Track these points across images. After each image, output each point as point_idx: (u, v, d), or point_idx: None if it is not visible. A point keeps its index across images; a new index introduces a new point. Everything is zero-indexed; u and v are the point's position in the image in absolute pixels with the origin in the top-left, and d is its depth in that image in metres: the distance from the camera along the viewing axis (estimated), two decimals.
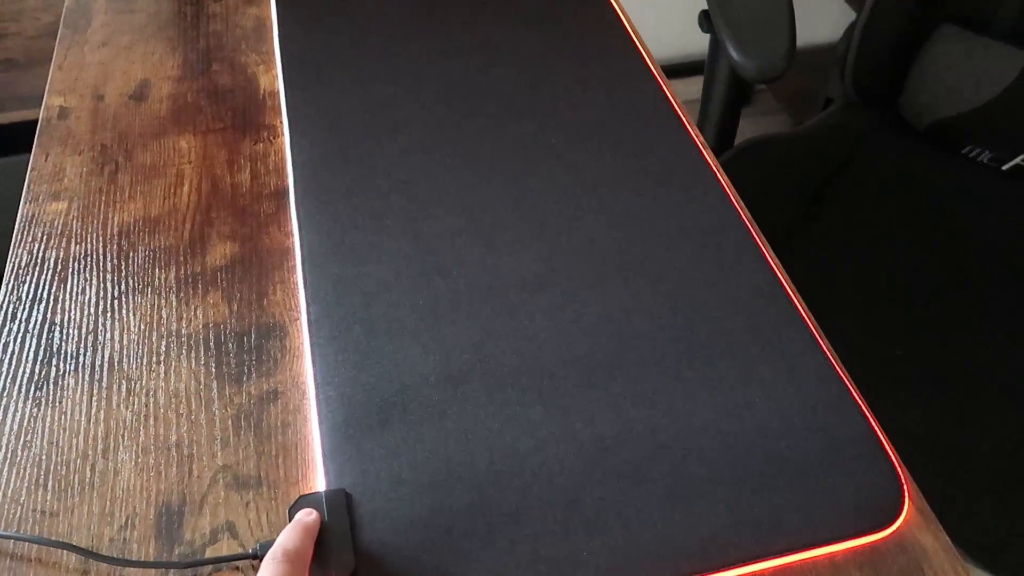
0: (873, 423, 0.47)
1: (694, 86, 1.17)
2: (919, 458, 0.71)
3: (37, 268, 0.55)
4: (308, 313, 0.52)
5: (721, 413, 0.47)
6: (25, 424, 0.47)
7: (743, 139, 1.00)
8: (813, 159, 0.96)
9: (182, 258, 0.56)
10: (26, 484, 0.44)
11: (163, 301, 0.53)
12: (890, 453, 0.45)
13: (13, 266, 0.55)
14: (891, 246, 0.89)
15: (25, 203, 0.60)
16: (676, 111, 0.66)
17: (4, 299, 0.54)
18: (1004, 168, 0.97)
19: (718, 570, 0.41)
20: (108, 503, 0.44)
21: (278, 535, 0.40)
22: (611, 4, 0.76)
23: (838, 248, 0.89)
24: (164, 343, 0.51)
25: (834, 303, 0.84)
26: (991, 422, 0.75)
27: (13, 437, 0.46)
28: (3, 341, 0.51)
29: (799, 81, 1.85)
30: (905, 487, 0.44)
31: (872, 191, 0.94)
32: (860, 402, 0.48)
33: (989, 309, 0.84)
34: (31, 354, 0.50)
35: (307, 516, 0.41)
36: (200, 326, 0.52)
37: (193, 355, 0.50)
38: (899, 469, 0.45)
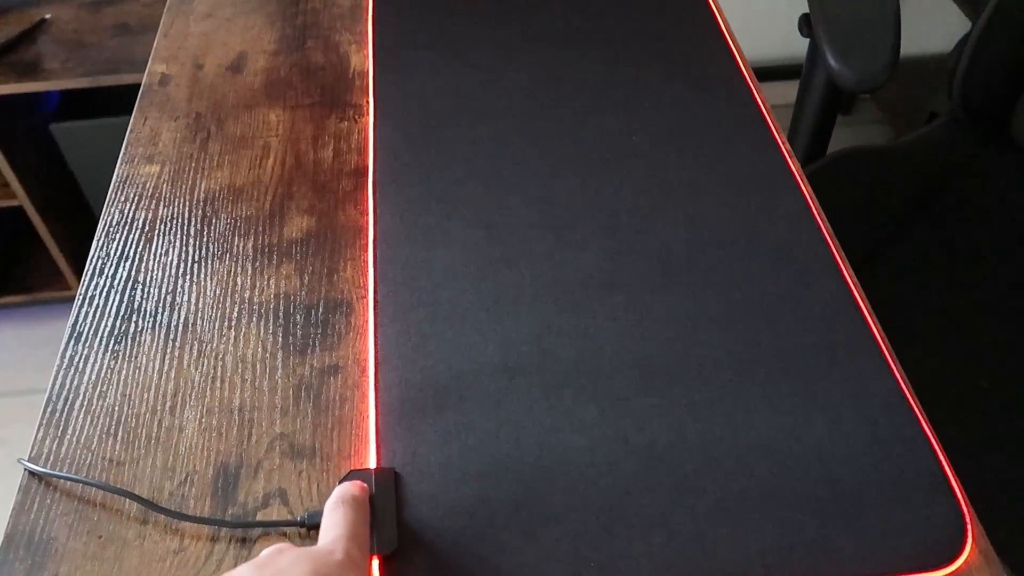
0: (941, 456, 0.45)
1: (792, 89, 1.14)
2: (1000, 497, 0.68)
3: (126, 227, 0.58)
4: (375, 292, 0.53)
5: (780, 431, 0.46)
6: (102, 375, 0.49)
7: (837, 149, 0.97)
8: (910, 176, 0.92)
9: (261, 228, 0.57)
10: (98, 432, 0.47)
11: (239, 268, 0.55)
12: (956, 490, 0.43)
13: (105, 223, 0.58)
14: (986, 274, 0.85)
15: (121, 164, 0.63)
16: (765, 117, 0.64)
17: (94, 254, 0.56)
18: None
19: None
20: (171, 458, 0.45)
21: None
22: (708, 4, 0.75)
23: (929, 271, 0.85)
24: (237, 309, 0.53)
25: (918, 329, 0.80)
26: None
27: (91, 387, 0.49)
28: (90, 295, 0.54)
29: (905, 92, 1.78)
30: (969, 527, 0.42)
31: (971, 214, 0.90)
32: (929, 434, 0.46)
33: None
34: (113, 309, 0.53)
35: (355, 484, 0.42)
36: (272, 296, 0.53)
37: (263, 323, 0.52)
38: (965, 507, 0.43)
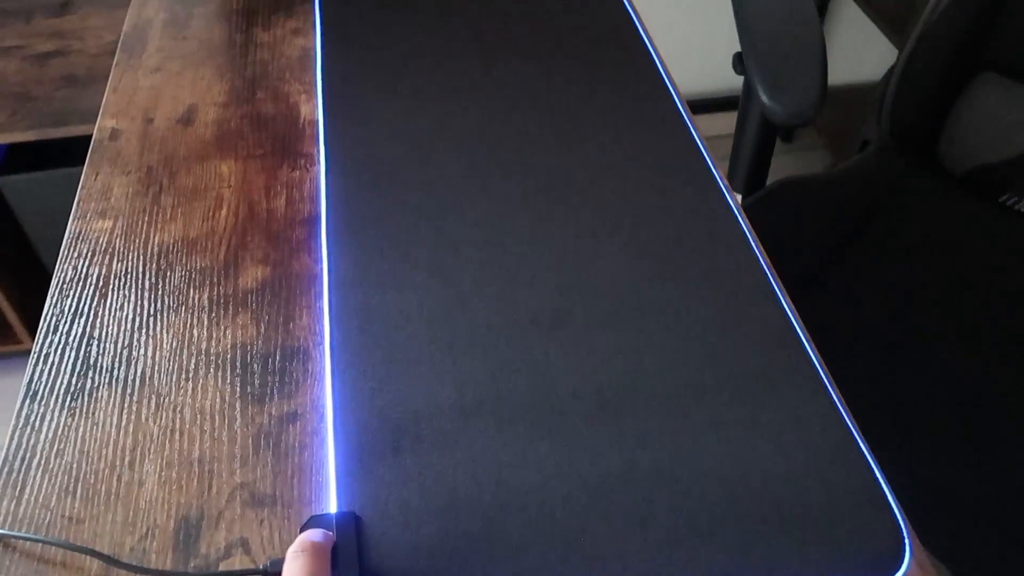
0: (878, 474, 0.47)
1: (733, 119, 1.18)
2: (935, 510, 0.71)
3: (80, 283, 0.58)
4: (331, 338, 0.54)
5: (726, 457, 0.48)
6: (59, 433, 0.49)
7: (779, 176, 1.01)
8: (845, 202, 0.96)
9: (216, 279, 0.58)
10: (56, 491, 0.47)
11: (196, 320, 0.56)
12: (893, 505, 0.46)
13: (59, 280, 0.58)
14: (923, 294, 0.88)
15: (74, 220, 0.63)
16: (702, 152, 0.67)
17: (48, 312, 0.57)
18: None
19: None
20: (131, 513, 0.46)
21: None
22: (644, 44, 0.78)
23: (866, 293, 0.89)
24: (194, 361, 0.53)
25: (858, 348, 0.84)
26: (1015, 477, 0.74)
27: (47, 445, 0.49)
28: (44, 352, 0.54)
29: (842, 120, 1.85)
30: (907, 541, 0.44)
31: (905, 237, 0.94)
32: (866, 452, 0.48)
33: (1020, 361, 0.83)
34: (69, 366, 0.53)
35: (317, 532, 0.43)
36: (229, 346, 0.54)
37: (220, 374, 0.52)
38: (902, 522, 0.45)
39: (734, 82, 1.83)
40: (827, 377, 0.52)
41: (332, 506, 0.46)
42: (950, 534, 0.67)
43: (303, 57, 0.79)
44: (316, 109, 0.73)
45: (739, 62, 0.82)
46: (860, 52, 1.85)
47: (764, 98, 0.73)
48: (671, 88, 0.73)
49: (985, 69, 0.96)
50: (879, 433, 0.52)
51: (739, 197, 0.96)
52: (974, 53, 0.96)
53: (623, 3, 0.83)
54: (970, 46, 0.95)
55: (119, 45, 0.81)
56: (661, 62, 0.76)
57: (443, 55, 0.77)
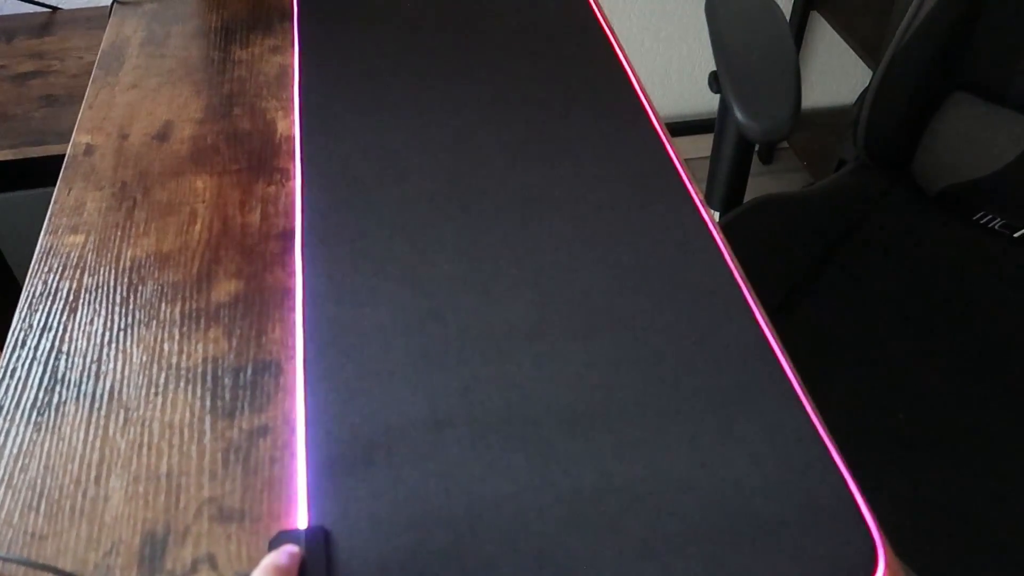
0: (852, 486, 0.47)
1: (709, 142, 1.19)
2: (918, 523, 0.71)
3: (50, 298, 0.58)
4: (304, 351, 0.53)
5: (701, 469, 0.47)
6: (24, 448, 0.49)
7: (756, 196, 1.01)
8: (821, 220, 0.97)
9: (188, 293, 0.58)
10: (19, 507, 0.46)
11: (166, 334, 0.55)
12: (867, 517, 0.46)
13: (28, 295, 0.58)
14: (898, 310, 0.89)
15: (45, 235, 0.62)
16: (677, 169, 0.67)
17: (16, 326, 0.56)
18: (1016, 235, 0.97)
19: None
20: (96, 529, 0.45)
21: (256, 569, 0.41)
22: (621, 65, 0.79)
23: (844, 310, 0.89)
24: (164, 375, 0.53)
25: (837, 364, 0.84)
26: (996, 491, 0.74)
27: (12, 460, 0.48)
28: (11, 367, 0.53)
29: (821, 140, 1.87)
30: (880, 552, 0.44)
31: (880, 254, 0.95)
32: (840, 464, 0.48)
33: (996, 376, 0.83)
34: (36, 381, 0.52)
35: (283, 552, 0.42)
36: (199, 360, 0.53)
37: (190, 388, 0.52)
38: (875, 534, 0.45)
39: (712, 105, 1.85)
40: (802, 390, 0.52)
41: (302, 521, 0.45)
42: (925, 546, 0.66)
43: (280, 74, 0.79)
44: (293, 125, 0.73)
45: (714, 80, 0.82)
46: (836, 74, 1.88)
47: (739, 115, 0.73)
48: (648, 108, 0.74)
49: (957, 89, 0.98)
50: (854, 446, 0.52)
51: (716, 215, 0.97)
52: (946, 73, 0.97)
53: (602, 27, 0.84)
54: (942, 67, 0.97)
55: (96, 62, 0.81)
56: (638, 82, 0.77)
57: (420, 72, 0.77)
